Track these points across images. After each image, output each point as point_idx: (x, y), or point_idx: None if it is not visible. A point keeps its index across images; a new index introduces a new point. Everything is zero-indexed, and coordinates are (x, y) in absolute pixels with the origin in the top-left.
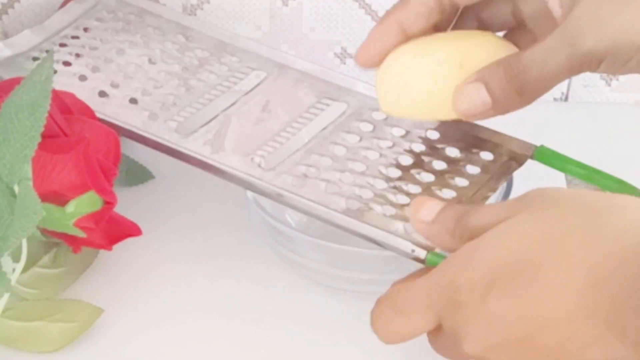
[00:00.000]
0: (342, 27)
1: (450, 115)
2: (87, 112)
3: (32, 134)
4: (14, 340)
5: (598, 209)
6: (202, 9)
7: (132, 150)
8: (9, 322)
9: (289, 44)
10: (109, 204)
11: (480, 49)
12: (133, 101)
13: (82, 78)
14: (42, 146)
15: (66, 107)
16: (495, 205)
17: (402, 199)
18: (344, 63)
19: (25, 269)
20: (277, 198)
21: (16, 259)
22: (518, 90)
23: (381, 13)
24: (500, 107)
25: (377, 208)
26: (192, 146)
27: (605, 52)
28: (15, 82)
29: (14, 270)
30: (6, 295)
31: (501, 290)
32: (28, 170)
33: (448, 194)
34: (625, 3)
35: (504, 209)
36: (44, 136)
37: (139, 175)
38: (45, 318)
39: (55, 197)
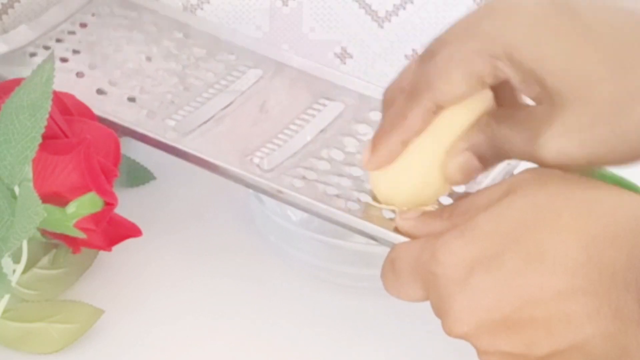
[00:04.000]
0: (342, 27)
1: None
2: (87, 113)
3: (33, 135)
4: (14, 341)
5: (592, 187)
6: (202, 9)
7: (133, 151)
8: (9, 323)
9: (289, 44)
10: (109, 205)
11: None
12: (131, 99)
13: (80, 75)
14: (42, 147)
15: (66, 109)
16: (485, 189)
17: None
18: (344, 63)
19: (25, 270)
20: (277, 195)
21: (16, 260)
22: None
23: (381, 13)
24: (488, 167)
25: (376, 211)
26: (191, 144)
27: None
28: (16, 83)
29: (14, 271)
30: (6, 297)
31: (489, 265)
32: (29, 171)
33: (445, 200)
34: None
35: (495, 190)
36: (45, 137)
37: (140, 176)
38: (45, 319)
39: (56, 198)
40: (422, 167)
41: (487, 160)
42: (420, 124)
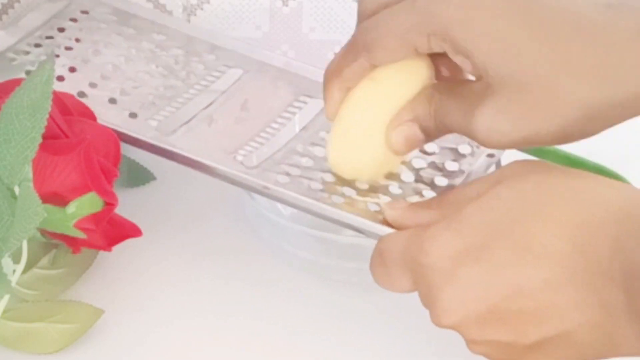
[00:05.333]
0: (342, 27)
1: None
2: (87, 113)
3: (33, 135)
4: (14, 341)
5: (579, 176)
6: (202, 9)
7: (133, 151)
8: (9, 323)
9: (289, 44)
10: (109, 205)
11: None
12: (112, 101)
13: (60, 78)
14: (42, 147)
15: (66, 109)
16: (474, 181)
17: (384, 199)
18: None
19: (25, 270)
20: (262, 191)
21: (16, 261)
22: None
23: None
24: (431, 139)
25: (361, 204)
26: (174, 144)
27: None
28: (16, 83)
29: (14, 271)
30: (6, 297)
31: (476, 256)
32: (29, 171)
33: (428, 194)
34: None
35: (484, 182)
36: (45, 137)
37: (140, 176)
38: (45, 319)
39: (56, 199)
40: (365, 135)
41: (430, 132)
42: (355, 76)
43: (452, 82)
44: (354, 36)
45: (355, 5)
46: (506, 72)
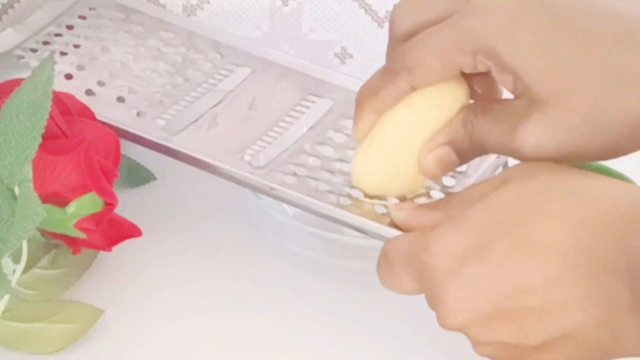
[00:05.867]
0: (342, 27)
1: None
2: (87, 113)
3: (33, 135)
4: (14, 341)
5: (585, 176)
6: (202, 9)
7: (133, 151)
8: (9, 323)
9: (289, 44)
10: (109, 205)
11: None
12: (120, 99)
13: (68, 76)
14: (42, 147)
15: (66, 109)
16: (481, 182)
17: (391, 200)
18: (344, 63)
19: (25, 270)
20: (269, 192)
21: (16, 261)
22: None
23: (381, 13)
24: (465, 161)
25: (368, 206)
26: (182, 143)
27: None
28: (16, 83)
29: (14, 271)
30: (6, 297)
31: (481, 255)
32: (28, 171)
33: (437, 195)
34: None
35: (490, 183)
36: (45, 137)
37: (141, 176)
38: (45, 319)
39: (56, 199)
40: (397, 157)
41: (464, 154)
42: (392, 100)
43: (487, 101)
44: (391, 59)
45: (355, 5)
46: (553, 88)
